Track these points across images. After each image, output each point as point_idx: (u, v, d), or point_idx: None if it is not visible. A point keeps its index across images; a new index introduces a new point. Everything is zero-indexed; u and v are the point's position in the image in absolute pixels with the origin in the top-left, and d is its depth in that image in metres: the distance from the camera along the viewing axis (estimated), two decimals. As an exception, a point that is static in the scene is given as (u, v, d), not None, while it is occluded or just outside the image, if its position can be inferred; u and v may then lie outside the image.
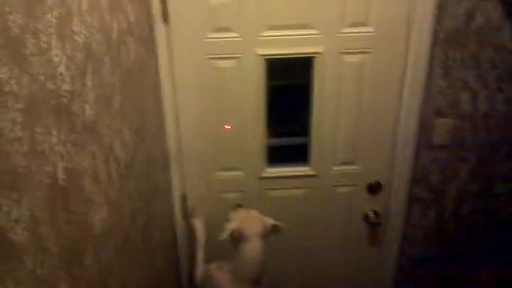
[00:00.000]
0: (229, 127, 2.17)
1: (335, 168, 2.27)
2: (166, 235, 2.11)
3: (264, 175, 2.26)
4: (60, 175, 0.93)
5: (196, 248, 2.13)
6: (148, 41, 1.84)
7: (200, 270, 2.07)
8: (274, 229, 1.92)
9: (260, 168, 2.24)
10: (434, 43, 2.02)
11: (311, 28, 1.98)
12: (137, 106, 1.62)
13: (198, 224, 2.16)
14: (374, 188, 2.32)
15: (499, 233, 2.46)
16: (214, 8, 1.93)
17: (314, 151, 2.23)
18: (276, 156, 2.27)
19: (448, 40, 2.01)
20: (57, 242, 0.91)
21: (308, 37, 2.00)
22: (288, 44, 2.01)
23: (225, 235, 1.84)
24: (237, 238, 1.86)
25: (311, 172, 2.27)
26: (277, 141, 2.32)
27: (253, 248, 1.86)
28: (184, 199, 2.27)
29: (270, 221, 1.92)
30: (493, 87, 2.12)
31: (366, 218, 2.38)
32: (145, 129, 1.73)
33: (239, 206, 2.06)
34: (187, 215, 2.29)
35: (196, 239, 2.14)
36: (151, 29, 1.89)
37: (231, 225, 1.87)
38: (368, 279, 2.57)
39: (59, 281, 0.92)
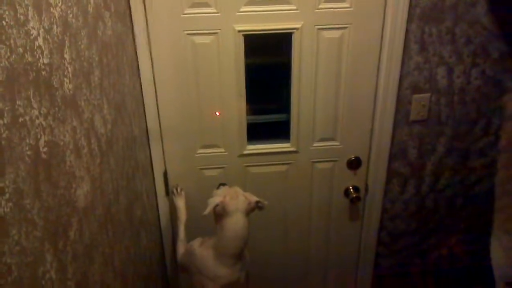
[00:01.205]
0: (219, 114, 2.18)
1: (315, 144, 2.29)
2: (149, 212, 2.12)
3: (245, 152, 2.27)
4: (42, 148, 0.93)
5: (178, 226, 2.14)
6: (124, 16, 1.82)
7: (181, 247, 2.09)
8: (258, 205, 1.93)
9: (241, 145, 2.25)
10: (411, 19, 2.04)
11: (289, 3, 1.98)
12: (116, 82, 1.61)
13: (180, 202, 2.17)
14: (353, 164, 2.35)
15: (475, 205, 2.52)
16: (191, -17, 1.91)
17: (294, 128, 2.25)
18: (256, 133, 2.28)
19: (424, 15, 2.04)
20: (42, 215, 0.91)
21: (286, 13, 2.00)
22: (266, 19, 2.00)
23: (208, 209, 1.84)
24: (220, 213, 1.87)
25: (292, 148, 2.29)
26: (257, 118, 2.33)
27: (236, 222, 1.86)
28: (165, 176, 2.27)
29: (253, 198, 1.93)
30: (469, 62, 2.15)
31: (346, 193, 2.42)
32: (124, 106, 1.72)
33: (222, 184, 2.07)
34: (169, 193, 2.30)
35: (178, 216, 2.15)
36: (127, 3, 1.87)
37: (215, 200, 1.88)
38: (348, 253, 2.62)
39: (44, 253, 0.92)
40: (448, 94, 2.21)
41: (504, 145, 2.20)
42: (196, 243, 2.00)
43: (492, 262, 1.96)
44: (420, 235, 2.59)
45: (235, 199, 1.89)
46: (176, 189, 2.20)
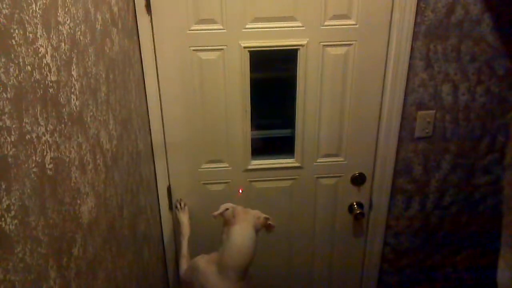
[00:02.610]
0: (241, 191, 2.26)
1: (320, 160, 2.29)
2: (152, 227, 2.11)
3: (249, 167, 2.27)
4: (48, 165, 0.93)
5: (181, 241, 2.13)
6: (131, 33, 1.83)
7: (184, 263, 2.07)
8: (267, 223, 1.91)
9: (245, 160, 2.25)
10: (416, 36, 2.04)
11: (295, 20, 2.00)
12: (122, 97, 1.62)
13: (183, 217, 2.17)
14: (358, 180, 2.35)
15: (480, 223, 2.50)
16: (198, 0, 1.93)
17: (299, 143, 2.25)
18: (261, 148, 2.28)
19: (429, 33, 2.04)
20: (46, 231, 0.91)
21: (291, 29, 2.01)
22: (272, 36, 2.02)
23: (219, 211, 1.86)
24: (229, 220, 1.86)
25: (296, 164, 2.29)
26: (262, 133, 2.33)
27: (243, 231, 1.84)
28: (169, 191, 2.27)
29: (263, 214, 1.92)
30: (474, 79, 2.15)
31: (350, 209, 2.41)
32: (130, 121, 1.73)
33: None
34: (172, 207, 2.30)
35: (181, 231, 2.14)
36: (134, 20, 1.89)
37: (227, 204, 1.89)
38: (352, 269, 2.61)
39: (48, 270, 0.92)
40: (453, 111, 2.21)
41: (509, 162, 2.20)
42: (200, 259, 1.98)
43: (498, 279, 1.95)
44: (424, 252, 2.58)
45: (246, 211, 1.90)
46: (180, 204, 2.20)
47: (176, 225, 2.33)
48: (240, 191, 2.29)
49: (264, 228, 1.93)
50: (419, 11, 2.00)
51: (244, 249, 1.84)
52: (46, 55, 0.95)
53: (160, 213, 2.29)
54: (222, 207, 1.88)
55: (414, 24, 2.01)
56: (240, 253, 1.84)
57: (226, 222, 1.88)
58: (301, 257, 2.54)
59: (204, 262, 1.93)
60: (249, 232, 1.85)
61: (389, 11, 2.01)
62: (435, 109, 2.20)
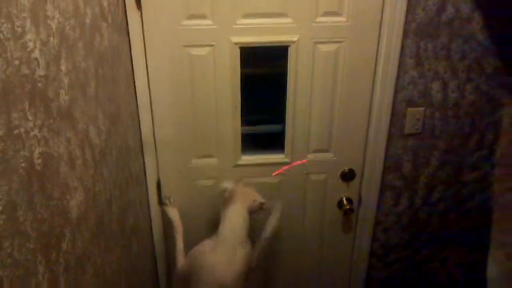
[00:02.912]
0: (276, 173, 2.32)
1: (309, 155, 2.30)
2: (141, 222, 2.11)
3: (239, 162, 2.27)
4: (36, 160, 0.93)
5: (175, 236, 2.13)
6: (121, 27, 1.83)
7: (181, 258, 2.08)
8: (261, 207, 2.04)
9: (235, 155, 2.25)
10: (406, 34, 2.05)
11: (286, 16, 2.00)
12: (111, 92, 1.61)
13: (173, 213, 2.17)
14: (347, 176, 2.36)
15: (468, 219, 2.53)
16: (188, -5, 1.92)
17: (289, 139, 2.25)
18: (251, 143, 2.29)
19: (419, 31, 2.05)
20: (34, 226, 0.91)
21: (282, 26, 2.01)
22: (263, 32, 2.02)
23: (223, 186, 2.01)
24: (226, 200, 2.00)
25: (286, 160, 2.29)
26: (252, 129, 2.33)
27: (236, 213, 1.98)
28: (158, 186, 2.27)
29: (260, 198, 2.05)
30: (463, 77, 2.16)
31: (339, 205, 2.42)
32: (119, 116, 1.72)
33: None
34: (161, 203, 2.30)
35: (174, 228, 2.14)
36: (124, 15, 1.88)
37: (227, 184, 2.02)
38: (341, 265, 2.62)
39: (37, 265, 0.92)
40: (443, 108, 2.22)
41: (499, 159, 2.22)
42: (198, 245, 2.05)
43: (487, 274, 1.97)
44: (412, 248, 2.60)
45: (244, 191, 2.04)
46: (169, 200, 2.20)
47: (166, 220, 2.33)
48: (275, 173, 2.33)
49: (258, 210, 2.05)
50: (409, 9, 2.00)
51: (237, 228, 1.98)
52: (35, 49, 0.94)
53: (149, 207, 2.29)
54: (223, 187, 2.02)
55: (405, 22, 2.02)
56: (234, 231, 1.97)
57: (224, 201, 2.02)
58: (290, 252, 2.55)
59: (201, 245, 2.03)
60: (242, 213, 1.99)
61: (380, 9, 2.02)
62: (424, 106, 2.21)
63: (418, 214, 2.49)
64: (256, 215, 2.07)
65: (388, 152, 2.29)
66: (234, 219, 1.98)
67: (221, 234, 1.98)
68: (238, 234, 1.97)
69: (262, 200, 2.04)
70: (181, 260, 2.07)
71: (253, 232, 2.05)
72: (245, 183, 2.13)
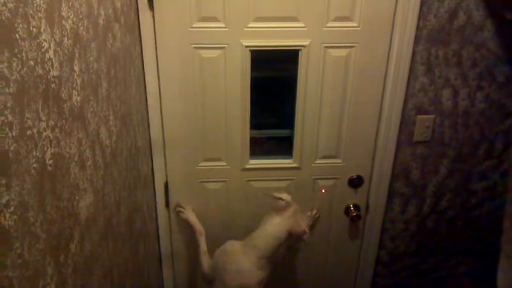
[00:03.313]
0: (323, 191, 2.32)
1: (318, 161, 2.29)
2: (148, 224, 2.11)
3: (247, 166, 2.27)
4: (48, 161, 0.93)
5: (198, 239, 2.17)
6: (133, 28, 1.83)
7: (206, 260, 2.12)
8: (302, 234, 2.00)
9: (244, 159, 2.25)
10: (417, 40, 2.04)
11: (297, 21, 1.99)
12: (122, 93, 1.61)
13: (191, 216, 2.20)
14: (355, 182, 2.35)
15: (476, 228, 2.51)
16: (200, -3, 1.92)
17: (297, 144, 2.25)
18: (259, 147, 2.28)
19: (431, 37, 2.04)
20: (45, 227, 0.91)
21: (294, 30, 2.01)
22: (273, 36, 2.01)
23: (277, 195, 1.98)
24: (277, 209, 1.98)
25: (294, 165, 2.29)
26: (261, 133, 2.33)
27: (278, 228, 1.96)
28: (166, 188, 2.27)
29: (305, 224, 2.02)
30: (474, 85, 2.15)
31: (346, 211, 2.41)
32: (129, 117, 1.72)
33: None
34: (169, 204, 2.29)
35: (196, 231, 2.16)
36: (136, 16, 1.88)
37: (287, 196, 1.98)
38: (347, 272, 2.61)
39: (46, 266, 0.92)
40: (452, 116, 2.21)
41: (510, 167, 2.21)
42: (227, 243, 2.09)
43: (497, 284, 1.95)
44: (419, 256, 2.58)
45: (296, 212, 2.00)
46: (181, 207, 2.21)
47: (172, 221, 2.33)
48: (323, 190, 2.34)
49: (296, 236, 2.01)
50: (421, 16, 2.00)
51: (272, 239, 1.96)
52: (49, 49, 0.94)
53: (156, 209, 2.28)
54: (280, 195, 1.97)
55: (416, 28, 2.01)
56: (266, 241, 1.96)
57: (274, 208, 1.99)
58: (296, 258, 2.54)
59: (230, 244, 2.06)
60: (282, 230, 1.96)
61: (392, 15, 2.01)
62: (434, 113, 2.20)
63: (426, 222, 2.47)
64: (291, 242, 2.05)
65: (396, 159, 2.28)
66: (272, 231, 1.97)
67: (254, 240, 1.98)
68: (269, 246, 1.96)
69: (307, 230, 2.01)
70: (206, 262, 2.08)
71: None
72: (301, 207, 2.10)
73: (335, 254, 2.54)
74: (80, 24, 1.15)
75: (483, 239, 2.53)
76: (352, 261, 2.58)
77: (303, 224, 2.00)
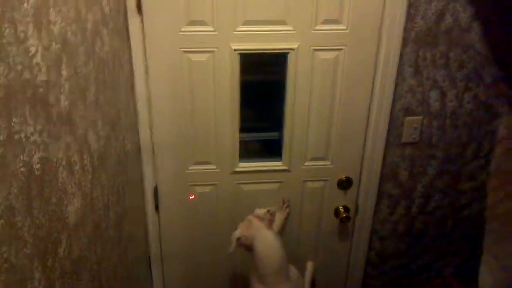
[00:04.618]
0: (193, 197, 2.29)
1: (307, 163, 2.30)
2: (137, 228, 2.11)
3: (237, 169, 2.27)
4: (36, 165, 0.93)
5: None
6: (122, 32, 1.83)
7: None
8: (270, 213, 2.10)
9: (233, 162, 2.25)
10: (405, 42, 2.06)
11: (286, 24, 2.00)
12: (111, 97, 1.61)
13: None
14: (344, 184, 2.36)
15: (465, 229, 2.53)
16: (189, 1, 1.92)
17: (287, 146, 2.25)
18: (249, 150, 2.29)
19: (418, 39, 2.06)
20: (32, 232, 0.91)
21: (282, 33, 2.02)
22: (262, 39, 2.02)
23: (233, 245, 1.99)
24: (247, 242, 2.01)
25: (283, 167, 2.29)
26: (250, 136, 2.33)
27: (264, 238, 2.01)
28: (155, 192, 2.26)
29: (261, 211, 2.10)
30: (461, 86, 2.17)
31: (336, 213, 2.42)
32: (118, 121, 1.72)
33: None
34: (158, 208, 2.29)
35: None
36: (125, 20, 1.88)
37: (235, 234, 2.01)
38: (337, 273, 2.62)
39: (33, 270, 0.92)
40: (440, 117, 2.23)
41: (494, 168, 2.22)
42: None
43: (479, 285, 1.97)
44: (408, 257, 2.60)
45: (250, 224, 2.04)
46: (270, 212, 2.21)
47: (162, 225, 2.33)
48: (191, 197, 2.31)
49: (273, 219, 2.13)
50: (409, 18, 2.01)
51: (273, 252, 2.02)
52: (37, 54, 0.94)
53: (145, 213, 2.28)
54: (233, 239, 2.00)
55: (404, 30, 2.03)
56: (271, 258, 2.02)
57: (247, 246, 2.03)
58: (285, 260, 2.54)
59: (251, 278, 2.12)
60: (269, 236, 2.04)
61: (380, 17, 2.03)
62: (422, 115, 2.21)
63: (415, 223, 2.49)
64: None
65: (385, 160, 2.30)
66: (267, 246, 2.02)
67: (261, 266, 2.02)
68: (278, 260, 2.02)
69: (264, 210, 2.10)
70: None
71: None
72: (247, 219, 2.13)
73: (325, 255, 2.55)
74: (68, 29, 1.15)
75: (472, 239, 2.55)
76: (342, 263, 2.59)
77: (261, 215, 2.09)
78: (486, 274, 1.99)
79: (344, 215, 2.38)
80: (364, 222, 2.45)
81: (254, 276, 2.08)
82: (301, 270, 2.24)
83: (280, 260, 2.01)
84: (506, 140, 2.18)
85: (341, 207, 2.40)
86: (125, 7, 1.87)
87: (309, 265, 2.25)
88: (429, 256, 2.61)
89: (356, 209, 2.42)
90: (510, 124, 2.20)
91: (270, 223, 2.09)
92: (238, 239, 2.00)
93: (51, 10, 1.03)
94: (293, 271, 2.14)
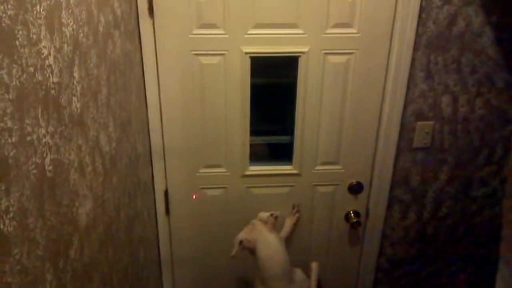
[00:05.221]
0: (195, 197, 2.30)
1: (318, 167, 2.29)
2: (148, 231, 2.11)
3: (247, 172, 2.27)
4: (48, 167, 0.93)
5: None
6: (133, 35, 1.83)
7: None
8: (273, 217, 2.12)
9: (243, 165, 2.25)
10: (417, 47, 2.05)
11: (297, 27, 2.00)
12: (122, 100, 1.62)
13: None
14: (355, 189, 2.35)
15: (476, 235, 2.50)
16: (200, 4, 1.92)
17: (297, 150, 2.25)
18: (259, 154, 2.28)
19: (430, 44, 2.05)
20: (44, 233, 0.91)
21: (293, 37, 2.01)
22: (273, 42, 2.02)
23: (235, 249, 2.02)
24: (250, 245, 2.04)
25: (294, 171, 2.29)
26: (260, 139, 2.33)
27: (266, 241, 2.04)
28: (166, 195, 2.27)
29: (265, 215, 2.11)
30: (473, 91, 2.16)
31: (346, 218, 2.41)
32: (129, 124, 1.72)
33: None
34: (169, 211, 2.29)
35: None
36: (136, 23, 1.89)
37: (238, 237, 2.05)
38: (347, 278, 2.60)
39: (45, 272, 0.92)
40: (452, 122, 2.21)
41: (509, 174, 2.20)
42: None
43: None
44: (419, 263, 2.58)
45: (254, 228, 2.07)
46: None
47: (172, 228, 2.33)
48: (194, 196, 2.31)
49: (276, 223, 2.15)
50: (420, 22, 2.00)
51: (276, 255, 2.05)
52: (49, 56, 0.95)
53: (156, 216, 2.28)
54: (236, 242, 2.04)
55: (416, 35, 2.02)
56: (274, 261, 2.04)
57: (250, 249, 2.06)
58: (296, 264, 2.53)
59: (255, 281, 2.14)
60: (272, 238, 2.06)
61: (391, 21, 2.02)
62: (434, 120, 2.20)
63: (426, 229, 2.47)
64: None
65: (396, 165, 2.28)
66: (270, 249, 2.04)
67: (264, 269, 2.04)
68: (281, 263, 2.04)
69: (268, 214, 2.12)
70: None
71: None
72: (251, 223, 2.17)
73: (335, 260, 2.54)
74: (80, 31, 1.15)
75: (484, 246, 2.52)
76: (352, 268, 2.57)
77: (264, 219, 2.12)
78: (499, 281, 1.97)
79: (355, 220, 2.36)
80: (374, 227, 2.43)
81: (257, 279, 2.09)
82: (308, 272, 2.24)
83: (282, 263, 2.03)
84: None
85: (351, 212, 2.39)
86: (137, 10, 1.88)
87: (314, 266, 2.23)
88: (440, 263, 2.59)
89: (367, 214, 2.41)
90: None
91: (273, 227, 2.11)
92: (241, 242, 2.02)
93: (63, 12, 1.04)
94: (299, 273, 2.15)
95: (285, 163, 2.30)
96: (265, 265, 2.02)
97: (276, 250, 2.04)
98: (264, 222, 2.08)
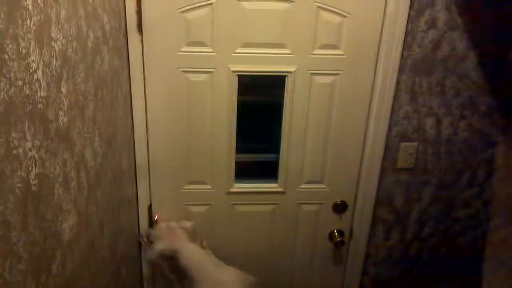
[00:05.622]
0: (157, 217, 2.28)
1: (303, 186, 2.30)
2: (131, 246, 2.09)
3: (232, 190, 2.27)
4: (33, 181, 0.93)
5: None
6: (122, 51, 1.84)
7: None
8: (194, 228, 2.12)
9: (229, 182, 2.25)
10: (402, 69, 2.08)
11: (284, 47, 2.02)
12: (109, 115, 1.62)
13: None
14: (339, 208, 2.36)
15: (459, 255, 2.52)
16: (189, 22, 1.94)
17: (282, 168, 2.26)
18: (244, 171, 2.29)
19: (415, 67, 2.08)
20: (27, 248, 0.90)
21: (281, 56, 2.03)
22: (261, 61, 2.04)
23: (153, 256, 2.01)
24: (169, 255, 2.00)
25: (279, 189, 2.29)
26: (246, 157, 2.34)
27: (189, 254, 1.99)
28: (150, 210, 2.25)
29: (188, 224, 2.12)
30: (457, 114, 2.19)
31: (330, 237, 2.41)
32: (115, 139, 1.72)
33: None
34: (152, 227, 2.28)
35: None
36: (125, 39, 1.90)
37: (158, 247, 2.01)
38: (330, 297, 2.60)
39: (27, 287, 0.91)
40: (436, 144, 2.24)
41: (492, 196, 2.23)
42: None
43: None
44: (403, 283, 2.58)
45: (175, 237, 2.05)
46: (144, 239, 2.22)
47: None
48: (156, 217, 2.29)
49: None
50: (406, 45, 2.04)
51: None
52: (37, 70, 0.95)
53: (139, 231, 2.26)
54: (156, 251, 2.02)
55: (401, 58, 2.05)
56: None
57: (168, 257, 2.03)
58: (279, 283, 2.53)
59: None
60: (192, 250, 2.02)
61: (377, 44, 2.05)
62: (418, 141, 2.23)
63: (409, 249, 2.48)
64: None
65: (380, 185, 2.30)
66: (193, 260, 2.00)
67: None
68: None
69: (191, 223, 2.14)
70: None
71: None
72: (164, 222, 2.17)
73: (319, 279, 2.53)
74: (69, 46, 1.16)
75: (467, 266, 2.54)
76: (335, 287, 2.57)
77: (186, 226, 2.11)
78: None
79: (339, 239, 2.37)
80: (358, 247, 2.44)
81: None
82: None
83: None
84: (502, 168, 2.20)
85: (335, 231, 2.40)
86: (126, 26, 1.89)
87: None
88: (423, 283, 2.60)
89: (351, 234, 2.42)
90: (506, 152, 2.21)
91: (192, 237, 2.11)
92: (162, 251, 2.01)
93: (53, 27, 1.04)
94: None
95: (270, 181, 2.31)
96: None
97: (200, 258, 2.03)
98: (186, 231, 2.09)
